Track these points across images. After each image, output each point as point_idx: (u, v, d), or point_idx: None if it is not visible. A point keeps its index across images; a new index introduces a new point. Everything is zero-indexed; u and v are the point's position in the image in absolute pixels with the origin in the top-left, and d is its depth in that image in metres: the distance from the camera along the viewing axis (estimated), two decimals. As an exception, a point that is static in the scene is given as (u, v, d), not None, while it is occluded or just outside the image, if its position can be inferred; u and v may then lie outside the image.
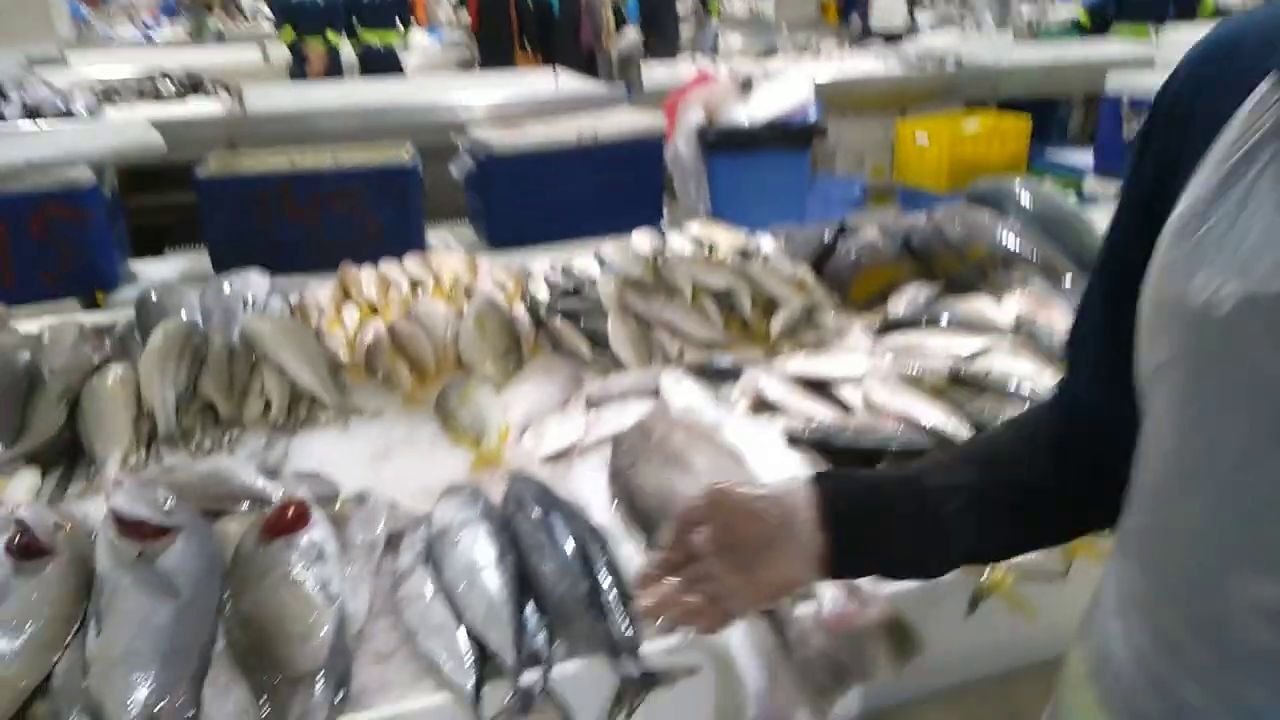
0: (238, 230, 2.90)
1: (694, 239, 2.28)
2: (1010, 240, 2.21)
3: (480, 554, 1.13)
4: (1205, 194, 0.64)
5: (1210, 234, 0.62)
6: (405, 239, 3.17)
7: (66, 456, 1.52)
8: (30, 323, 1.96)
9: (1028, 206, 2.39)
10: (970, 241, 2.23)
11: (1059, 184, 3.70)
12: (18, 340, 1.75)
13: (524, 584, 1.12)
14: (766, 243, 2.24)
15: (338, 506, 1.26)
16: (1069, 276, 2.13)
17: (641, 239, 2.29)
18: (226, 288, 2.00)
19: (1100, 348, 0.82)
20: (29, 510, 1.13)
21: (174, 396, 1.59)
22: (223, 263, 2.73)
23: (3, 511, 1.21)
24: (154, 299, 1.92)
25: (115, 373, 1.61)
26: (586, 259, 2.25)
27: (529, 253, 2.74)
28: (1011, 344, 1.58)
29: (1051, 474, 0.85)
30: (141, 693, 0.98)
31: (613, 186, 3.34)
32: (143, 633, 1.03)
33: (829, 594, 1.12)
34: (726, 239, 2.26)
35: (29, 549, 1.09)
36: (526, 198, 3.23)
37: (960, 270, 2.17)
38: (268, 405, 1.65)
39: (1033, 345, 1.59)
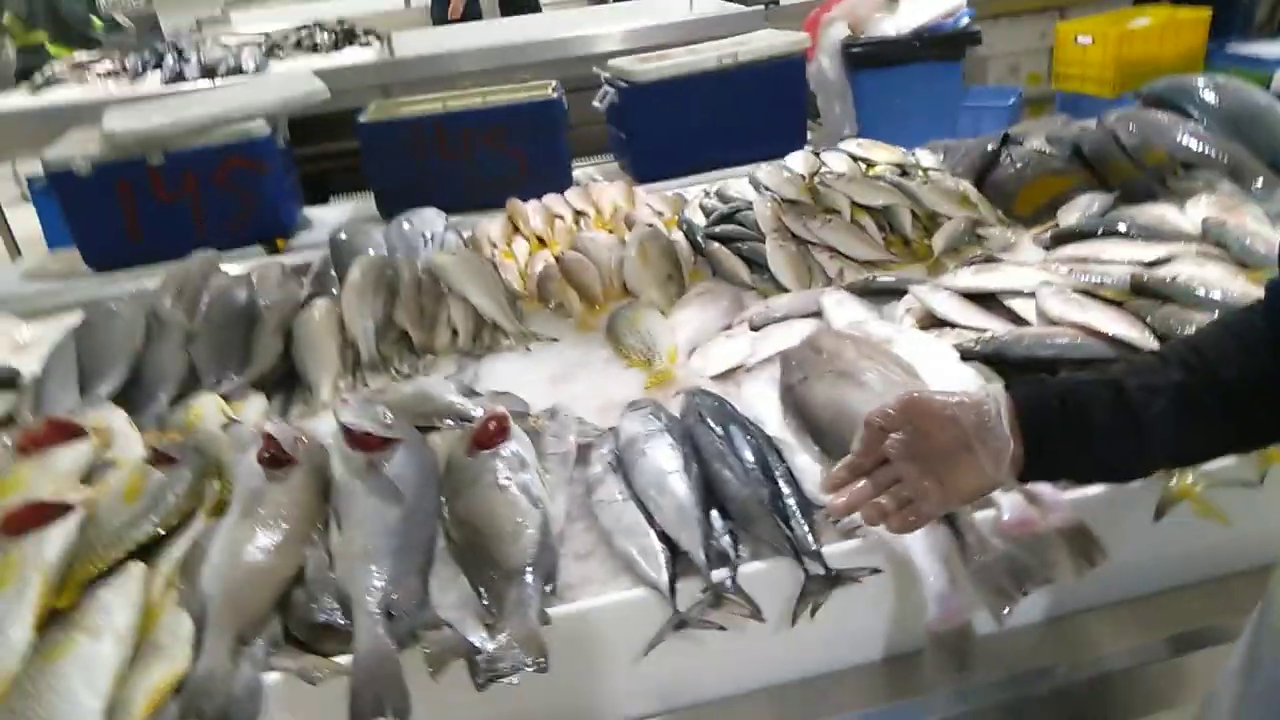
0: (397, 172, 3.03)
1: (850, 156, 2.26)
2: (1192, 142, 2.08)
3: (667, 461, 1.20)
4: None
5: None
6: (553, 174, 3.24)
7: (284, 384, 1.70)
8: (230, 267, 2.16)
9: (1214, 104, 2.23)
10: (1147, 145, 2.12)
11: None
12: (231, 280, 1.94)
13: (708, 490, 1.19)
14: (925, 158, 2.19)
15: (531, 421, 1.37)
16: (1260, 179, 2.01)
17: (796, 159, 2.28)
18: (406, 225, 2.14)
19: None
20: (273, 426, 1.28)
21: (373, 326, 1.74)
22: (387, 204, 2.89)
23: (248, 429, 1.37)
24: (345, 238, 2.08)
25: (321, 306, 1.77)
26: (740, 182, 2.27)
27: (674, 184, 2.77)
28: (1198, 251, 1.51)
29: (1264, 373, 0.84)
30: (379, 583, 1.11)
31: (755, 110, 3.30)
32: (377, 532, 1.16)
33: (1008, 501, 1.14)
34: (883, 155, 2.22)
35: (276, 459, 1.24)
36: (669, 126, 3.24)
37: (1137, 177, 2.07)
38: (455, 333, 1.78)
39: (1222, 251, 1.52)
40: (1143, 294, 1.44)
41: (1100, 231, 1.68)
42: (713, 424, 1.27)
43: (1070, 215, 1.86)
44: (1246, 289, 1.37)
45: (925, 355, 1.34)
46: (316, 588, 1.14)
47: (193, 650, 1.05)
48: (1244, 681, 0.91)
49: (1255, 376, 0.85)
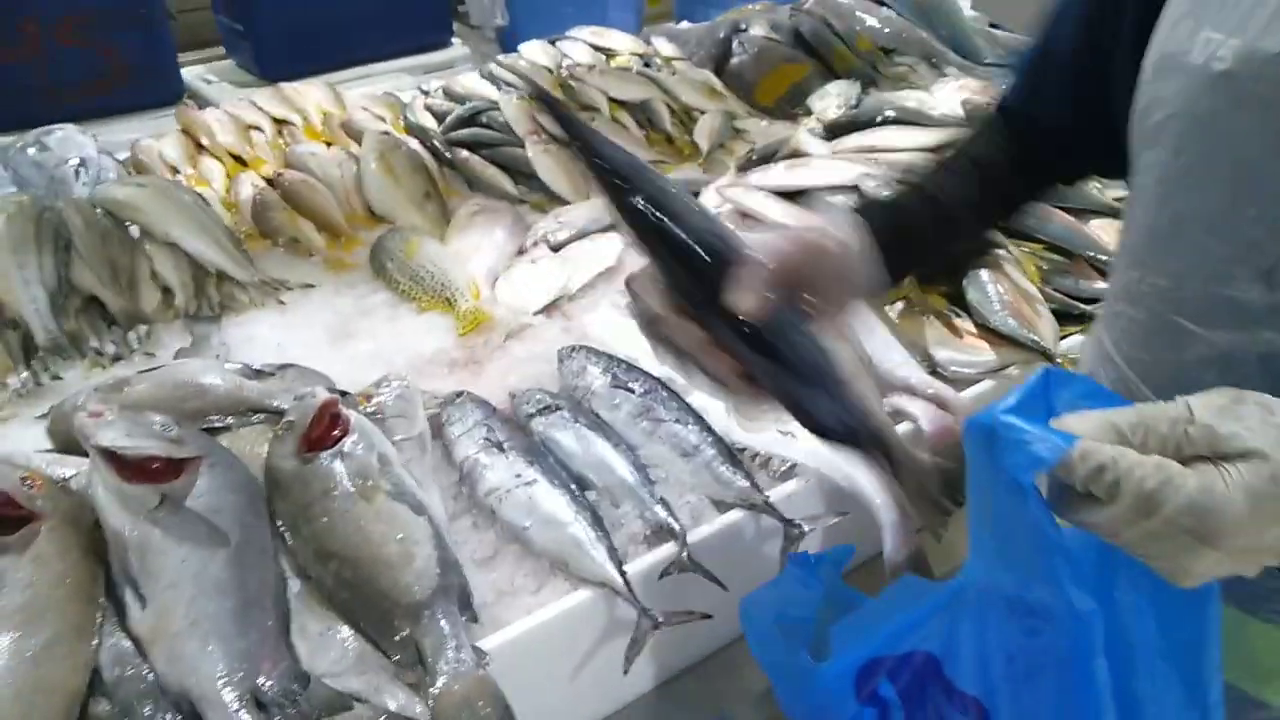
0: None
1: (589, 46, 2.05)
2: (890, 28, 2.18)
3: (589, 439, 0.99)
4: None
5: None
6: (158, 76, 2.71)
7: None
8: None
9: (898, -11, 2.35)
10: (853, 32, 2.19)
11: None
12: None
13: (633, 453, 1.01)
14: (663, 46, 2.06)
15: (359, 401, 1.05)
16: (950, 65, 2.16)
17: (534, 49, 2.03)
18: (35, 151, 1.56)
19: (1070, 72, 0.86)
20: (-20, 469, 0.84)
21: (45, 295, 1.24)
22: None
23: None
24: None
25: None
26: (469, 77, 1.97)
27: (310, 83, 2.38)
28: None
29: (1020, 179, 0.94)
30: (229, 663, 0.79)
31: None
32: (201, 592, 0.82)
33: (922, 410, 1.10)
34: (624, 44, 2.05)
35: (6, 517, 0.82)
36: (297, 11, 2.81)
37: (854, 65, 2.13)
38: (165, 291, 1.34)
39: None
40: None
41: (879, 120, 1.68)
42: (613, 374, 1.07)
43: (824, 104, 1.84)
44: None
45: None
46: (125, 693, 0.79)
47: None
48: None
49: (1017, 183, 0.95)
